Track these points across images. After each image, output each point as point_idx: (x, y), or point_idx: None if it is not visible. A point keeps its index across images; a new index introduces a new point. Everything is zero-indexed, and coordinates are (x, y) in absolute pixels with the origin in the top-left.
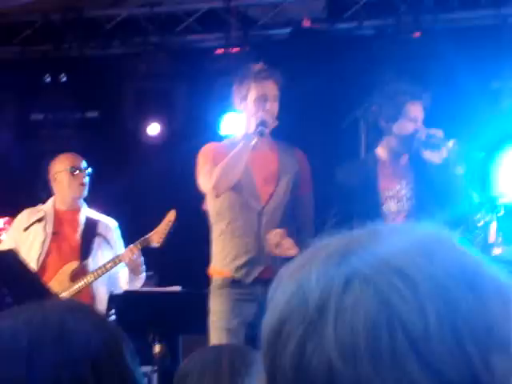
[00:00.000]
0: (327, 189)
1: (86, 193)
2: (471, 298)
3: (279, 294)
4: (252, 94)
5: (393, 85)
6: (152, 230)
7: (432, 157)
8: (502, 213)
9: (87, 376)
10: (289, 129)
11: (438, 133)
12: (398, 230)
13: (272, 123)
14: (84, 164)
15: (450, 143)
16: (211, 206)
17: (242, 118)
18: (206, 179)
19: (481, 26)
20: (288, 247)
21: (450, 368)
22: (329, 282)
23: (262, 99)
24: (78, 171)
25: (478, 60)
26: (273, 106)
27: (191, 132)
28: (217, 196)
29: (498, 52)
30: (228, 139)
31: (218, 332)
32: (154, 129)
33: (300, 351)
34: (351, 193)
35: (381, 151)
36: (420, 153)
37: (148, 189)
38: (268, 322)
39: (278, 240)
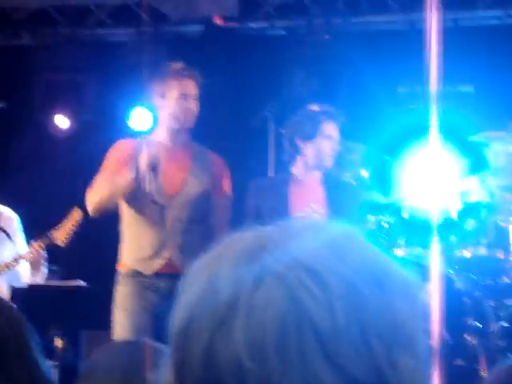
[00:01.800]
0: (238, 203)
1: None
2: (379, 296)
3: (190, 289)
4: (173, 93)
5: (309, 105)
6: (57, 225)
7: (351, 177)
8: (405, 215)
9: None
10: (200, 127)
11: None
12: (310, 228)
13: (187, 122)
14: None
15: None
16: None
17: (161, 115)
18: (91, 189)
19: (390, 31)
20: None
21: (357, 366)
22: (240, 279)
23: (182, 98)
24: None
25: (386, 64)
26: (193, 105)
27: (100, 125)
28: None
29: (406, 57)
30: (143, 138)
31: (119, 314)
32: (62, 121)
33: (209, 348)
34: (261, 212)
35: (295, 170)
36: (338, 174)
37: (56, 182)
38: (178, 317)
39: None
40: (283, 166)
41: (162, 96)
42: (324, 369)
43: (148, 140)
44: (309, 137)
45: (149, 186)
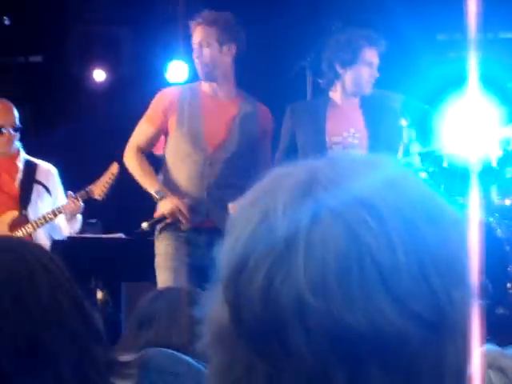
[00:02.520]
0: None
1: (14, 146)
2: (434, 231)
3: (242, 226)
4: (194, 41)
5: (350, 29)
6: (94, 179)
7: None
8: (445, 164)
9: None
10: (235, 77)
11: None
12: (360, 162)
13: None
14: (12, 119)
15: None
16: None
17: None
18: (133, 137)
19: None
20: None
21: (417, 300)
22: (296, 215)
23: (199, 45)
24: (3, 130)
25: (425, 11)
26: (207, 52)
27: (138, 79)
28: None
29: (445, 3)
30: (189, 85)
31: (161, 271)
32: (99, 75)
33: (268, 283)
34: (299, 133)
35: (334, 95)
36: (376, 102)
37: (93, 136)
38: (231, 252)
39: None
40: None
41: (193, 44)
42: (386, 304)
43: (192, 87)
44: (348, 63)
45: (191, 137)
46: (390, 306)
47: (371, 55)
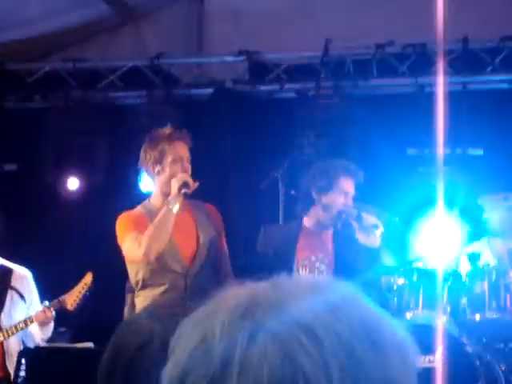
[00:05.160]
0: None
1: None
2: (374, 354)
3: (182, 345)
4: (168, 157)
5: (329, 159)
6: (68, 287)
7: (367, 240)
8: (415, 277)
9: None
10: (209, 189)
11: (371, 219)
12: (304, 286)
13: (193, 184)
14: None
15: (379, 230)
16: (135, 274)
17: (159, 182)
18: (134, 247)
19: (399, 94)
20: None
21: None
22: (234, 335)
23: (178, 161)
24: None
25: (396, 127)
26: (187, 167)
27: (111, 188)
28: (148, 262)
29: (415, 120)
30: (142, 206)
31: None
32: (73, 183)
33: None
34: (268, 253)
35: (307, 221)
36: (350, 232)
37: (66, 244)
38: (171, 371)
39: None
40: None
41: (158, 162)
42: None
43: (149, 208)
44: (324, 189)
45: (167, 255)
46: None
47: (347, 184)
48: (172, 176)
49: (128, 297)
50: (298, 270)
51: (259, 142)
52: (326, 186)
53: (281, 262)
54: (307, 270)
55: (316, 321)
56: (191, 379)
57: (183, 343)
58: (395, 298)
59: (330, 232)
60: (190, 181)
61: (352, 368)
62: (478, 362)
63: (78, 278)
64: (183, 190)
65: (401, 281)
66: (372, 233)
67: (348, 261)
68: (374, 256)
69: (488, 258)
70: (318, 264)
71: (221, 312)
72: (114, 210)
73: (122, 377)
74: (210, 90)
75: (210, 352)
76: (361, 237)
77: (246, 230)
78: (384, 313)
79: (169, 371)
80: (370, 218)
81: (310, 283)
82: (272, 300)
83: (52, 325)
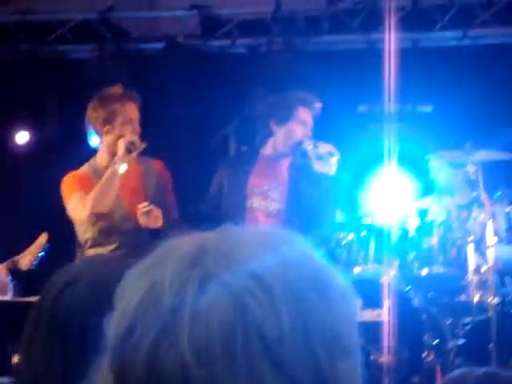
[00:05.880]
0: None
1: None
2: (321, 303)
3: (130, 293)
4: (118, 117)
5: (286, 89)
6: (20, 243)
7: (323, 168)
8: (364, 232)
9: None
10: (159, 146)
11: (327, 146)
12: (254, 236)
13: (140, 145)
14: None
15: (335, 158)
16: (82, 233)
17: (107, 141)
18: (79, 207)
19: (350, 50)
20: (157, 216)
21: (301, 372)
22: (183, 283)
23: (128, 122)
24: None
25: (347, 83)
26: (137, 128)
27: (61, 142)
28: (93, 223)
29: (366, 76)
30: (88, 165)
31: None
32: (22, 137)
33: (154, 352)
34: (223, 185)
35: (265, 150)
36: (307, 162)
37: (16, 200)
38: (117, 324)
39: (149, 208)
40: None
41: (108, 121)
42: (270, 374)
43: (95, 167)
44: (283, 120)
45: (115, 214)
46: (273, 376)
47: (305, 115)
48: (121, 136)
49: (78, 253)
50: (250, 198)
51: (210, 98)
52: (285, 116)
53: (234, 191)
54: (260, 197)
55: (266, 269)
56: (140, 330)
57: (129, 294)
58: (344, 253)
59: (286, 162)
60: (138, 141)
61: (301, 315)
62: (424, 316)
63: (30, 235)
64: (128, 148)
65: (350, 236)
66: (328, 161)
67: (302, 191)
68: (329, 184)
69: (436, 214)
70: (270, 192)
71: (169, 261)
72: (64, 164)
73: (46, 318)
74: (161, 45)
75: (159, 301)
76: (317, 165)
77: (197, 187)
78: (332, 265)
79: (115, 323)
80: (326, 146)
81: (260, 233)
82: (222, 249)
83: (8, 286)
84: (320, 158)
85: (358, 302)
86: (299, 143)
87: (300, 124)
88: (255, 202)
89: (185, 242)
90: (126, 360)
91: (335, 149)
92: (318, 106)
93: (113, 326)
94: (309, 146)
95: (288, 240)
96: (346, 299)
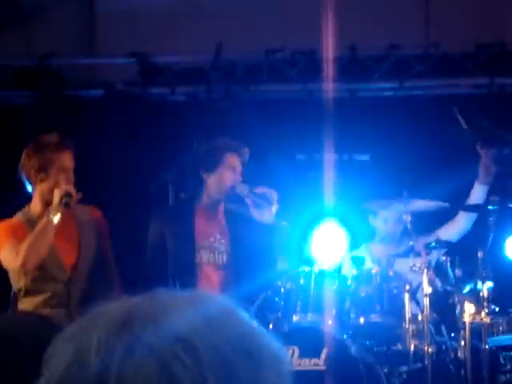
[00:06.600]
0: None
1: None
2: (249, 367)
3: (57, 359)
4: (53, 166)
5: (214, 138)
6: None
7: (260, 216)
8: (302, 281)
9: None
10: (96, 194)
11: (267, 192)
12: (181, 299)
13: (76, 195)
14: None
15: (275, 207)
16: (16, 282)
17: (41, 190)
18: (11, 256)
19: (289, 99)
20: None
21: None
22: (110, 350)
23: (63, 171)
24: None
25: (285, 131)
26: (71, 177)
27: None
28: (26, 273)
29: (304, 125)
30: (22, 214)
31: None
32: None
33: None
34: (168, 234)
35: (202, 200)
36: (243, 209)
37: None
38: None
39: None
40: None
41: (43, 169)
42: None
43: (28, 217)
44: (211, 167)
45: (49, 263)
46: None
47: (233, 160)
48: (55, 185)
49: (13, 301)
50: (199, 252)
51: (150, 146)
52: (214, 163)
53: (182, 246)
54: (207, 251)
55: (193, 333)
56: None
57: (57, 358)
58: (282, 302)
59: (221, 207)
60: (74, 192)
61: (228, 380)
62: (361, 365)
63: None
64: (65, 200)
65: (288, 284)
66: (266, 208)
67: (243, 239)
68: (269, 232)
69: (373, 263)
70: (216, 245)
71: (96, 326)
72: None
73: None
74: (100, 92)
75: (85, 367)
76: (254, 213)
77: (135, 234)
78: (260, 327)
79: None
80: (264, 190)
81: (188, 297)
82: (149, 313)
83: None
84: (258, 206)
85: (295, 352)
86: (232, 187)
87: (229, 169)
88: (204, 258)
89: (113, 308)
90: None
91: (275, 194)
92: (246, 151)
93: None
94: (244, 190)
95: (216, 302)
96: (276, 362)
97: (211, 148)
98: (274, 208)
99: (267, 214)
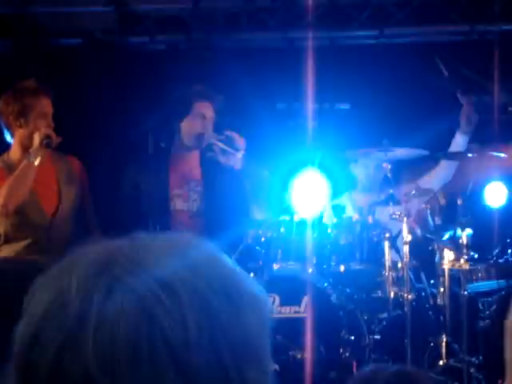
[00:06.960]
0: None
1: None
2: (230, 310)
3: (36, 302)
4: (33, 111)
5: (184, 85)
6: None
7: (228, 161)
8: (282, 229)
9: None
10: (75, 143)
11: (237, 138)
12: (163, 243)
13: (56, 138)
14: None
15: (240, 152)
16: None
17: (21, 135)
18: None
19: (269, 48)
20: None
21: (207, 379)
22: (90, 290)
23: (43, 116)
24: None
25: (265, 80)
26: (51, 122)
27: None
28: (6, 215)
29: (284, 74)
30: (1, 160)
31: None
32: None
33: (57, 361)
34: (143, 183)
35: (174, 149)
36: (214, 157)
37: None
38: (24, 330)
39: None
40: None
41: (22, 115)
42: (175, 381)
43: (8, 163)
44: (182, 115)
45: (28, 209)
46: (179, 382)
47: (203, 108)
48: (35, 130)
49: None
50: (173, 200)
51: (129, 95)
52: (184, 110)
53: (156, 193)
54: (181, 199)
55: (174, 277)
56: (45, 336)
57: (37, 300)
58: (263, 250)
59: (196, 157)
60: (53, 135)
61: (209, 322)
62: (341, 312)
63: None
64: (45, 141)
65: (269, 233)
66: (233, 154)
67: (215, 187)
68: (238, 178)
69: (353, 211)
70: (190, 193)
71: (77, 268)
72: None
73: None
74: (78, 41)
75: (65, 308)
76: (222, 159)
77: (114, 182)
78: (242, 271)
79: (21, 330)
80: (234, 136)
81: (169, 241)
82: (130, 257)
83: None
84: (224, 152)
85: (276, 300)
86: (200, 135)
87: (198, 117)
88: (178, 205)
89: (93, 250)
90: (29, 368)
91: (243, 140)
92: (219, 99)
93: (19, 333)
94: (213, 137)
95: (197, 246)
96: (257, 305)
97: (182, 96)
98: (240, 154)
99: (233, 160)
